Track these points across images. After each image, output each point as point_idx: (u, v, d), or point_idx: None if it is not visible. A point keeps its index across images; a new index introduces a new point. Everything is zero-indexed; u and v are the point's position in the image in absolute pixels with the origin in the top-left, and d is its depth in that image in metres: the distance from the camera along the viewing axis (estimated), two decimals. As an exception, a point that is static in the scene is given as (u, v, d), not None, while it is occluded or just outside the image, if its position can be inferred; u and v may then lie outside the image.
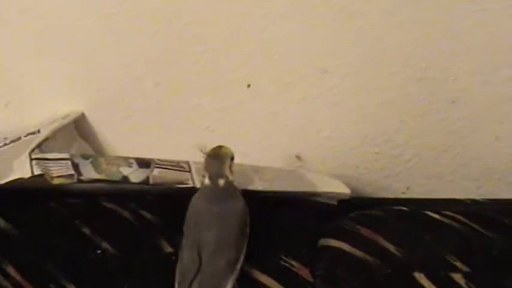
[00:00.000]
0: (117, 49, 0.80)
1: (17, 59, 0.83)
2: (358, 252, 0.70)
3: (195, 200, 0.69)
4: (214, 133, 0.85)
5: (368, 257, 0.70)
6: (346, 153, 0.84)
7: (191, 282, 0.64)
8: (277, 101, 0.82)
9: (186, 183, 0.73)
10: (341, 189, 0.75)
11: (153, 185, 0.72)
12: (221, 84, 0.81)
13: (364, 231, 0.73)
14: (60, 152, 0.77)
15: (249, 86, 0.80)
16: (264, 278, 0.70)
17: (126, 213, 0.75)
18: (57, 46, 0.81)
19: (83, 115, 0.84)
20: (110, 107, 0.85)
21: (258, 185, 0.73)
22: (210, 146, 0.72)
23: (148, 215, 0.75)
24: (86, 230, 0.73)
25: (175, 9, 0.76)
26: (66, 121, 0.80)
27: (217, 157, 0.68)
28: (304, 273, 0.71)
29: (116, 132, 0.87)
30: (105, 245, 0.72)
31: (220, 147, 0.69)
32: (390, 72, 0.79)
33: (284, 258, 0.72)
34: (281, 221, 0.73)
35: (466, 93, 0.80)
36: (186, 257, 0.66)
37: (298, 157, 0.84)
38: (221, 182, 0.67)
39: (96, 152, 0.86)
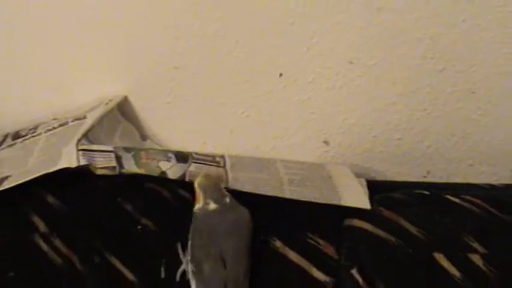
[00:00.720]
0: (160, 38, 0.80)
1: (65, 46, 0.83)
2: (380, 233, 0.70)
3: (204, 217, 0.69)
4: (248, 118, 0.84)
5: (390, 237, 0.69)
6: (370, 139, 0.84)
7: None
8: (306, 90, 0.81)
9: (220, 180, 0.71)
10: (362, 204, 0.73)
11: (189, 182, 0.71)
12: (255, 74, 0.81)
13: (387, 213, 0.72)
14: (105, 137, 0.78)
15: (281, 75, 0.80)
16: (292, 255, 0.70)
17: (165, 193, 0.75)
18: (102, 32, 0.81)
19: (126, 99, 0.84)
20: (152, 93, 0.85)
21: (287, 193, 0.72)
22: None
23: (186, 195, 0.75)
24: (128, 207, 0.74)
25: (213, 2, 0.76)
26: (110, 106, 0.80)
27: (213, 182, 0.69)
28: (330, 250, 0.71)
29: (157, 116, 0.87)
30: (145, 221, 0.73)
31: (206, 174, 0.71)
32: (412, 64, 0.78)
33: (311, 236, 0.72)
34: (308, 201, 0.72)
35: (485, 84, 0.79)
36: (209, 267, 0.65)
37: (326, 142, 0.84)
38: (227, 199, 0.68)
39: (139, 132, 0.86)
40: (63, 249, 0.71)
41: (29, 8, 0.80)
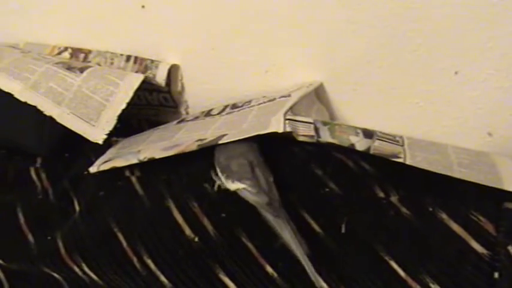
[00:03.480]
0: (355, 37, 0.79)
1: (278, 41, 0.85)
2: (538, 216, 0.64)
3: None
4: (421, 108, 0.81)
5: (547, 221, 0.63)
6: (532, 134, 0.76)
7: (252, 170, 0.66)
8: (477, 88, 0.77)
9: (399, 156, 0.69)
10: None
11: (373, 155, 0.69)
12: (432, 70, 0.78)
13: (544, 200, 0.66)
14: (304, 112, 0.78)
15: (456, 73, 0.76)
16: (454, 226, 0.67)
17: (349, 162, 0.75)
18: (308, 31, 0.82)
19: (321, 85, 0.84)
20: (343, 81, 0.84)
21: (456, 173, 0.68)
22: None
23: (367, 166, 0.74)
24: (319, 172, 0.74)
25: (405, 6, 0.74)
26: (309, 89, 0.80)
27: None
28: (489, 227, 0.67)
29: (344, 100, 0.86)
30: (332, 185, 0.72)
31: None
32: None
33: (473, 213, 0.68)
34: (473, 182, 0.68)
35: None
36: (235, 164, 0.68)
37: (489, 134, 0.80)
38: None
39: (329, 112, 0.86)
40: (265, 200, 0.71)
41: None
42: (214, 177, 0.72)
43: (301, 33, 0.83)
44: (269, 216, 0.65)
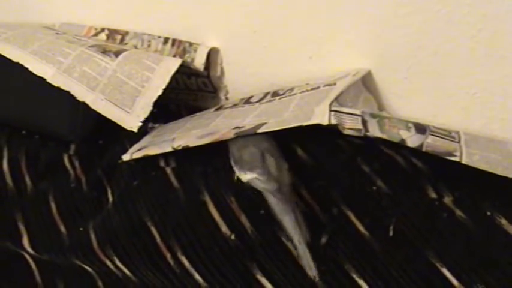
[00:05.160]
0: (406, 21, 0.72)
1: (324, 26, 0.79)
2: None
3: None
4: (479, 99, 0.74)
5: None
6: None
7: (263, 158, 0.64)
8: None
9: (454, 154, 0.63)
10: None
11: (426, 152, 0.63)
12: (492, 58, 0.70)
13: None
14: (351, 102, 0.73)
15: (521, 61, 0.68)
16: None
17: (399, 158, 0.69)
18: (357, 17, 0.76)
19: (369, 73, 0.78)
20: (392, 69, 0.77)
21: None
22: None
23: (418, 163, 0.68)
24: (366, 168, 0.69)
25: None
26: (356, 77, 0.75)
27: None
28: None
29: (394, 89, 0.79)
30: (380, 183, 0.68)
31: None
32: None
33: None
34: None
35: None
36: (247, 154, 0.65)
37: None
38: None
39: (376, 102, 0.80)
40: (307, 197, 0.68)
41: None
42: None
43: (348, 16, 0.77)
44: (272, 201, 0.63)
